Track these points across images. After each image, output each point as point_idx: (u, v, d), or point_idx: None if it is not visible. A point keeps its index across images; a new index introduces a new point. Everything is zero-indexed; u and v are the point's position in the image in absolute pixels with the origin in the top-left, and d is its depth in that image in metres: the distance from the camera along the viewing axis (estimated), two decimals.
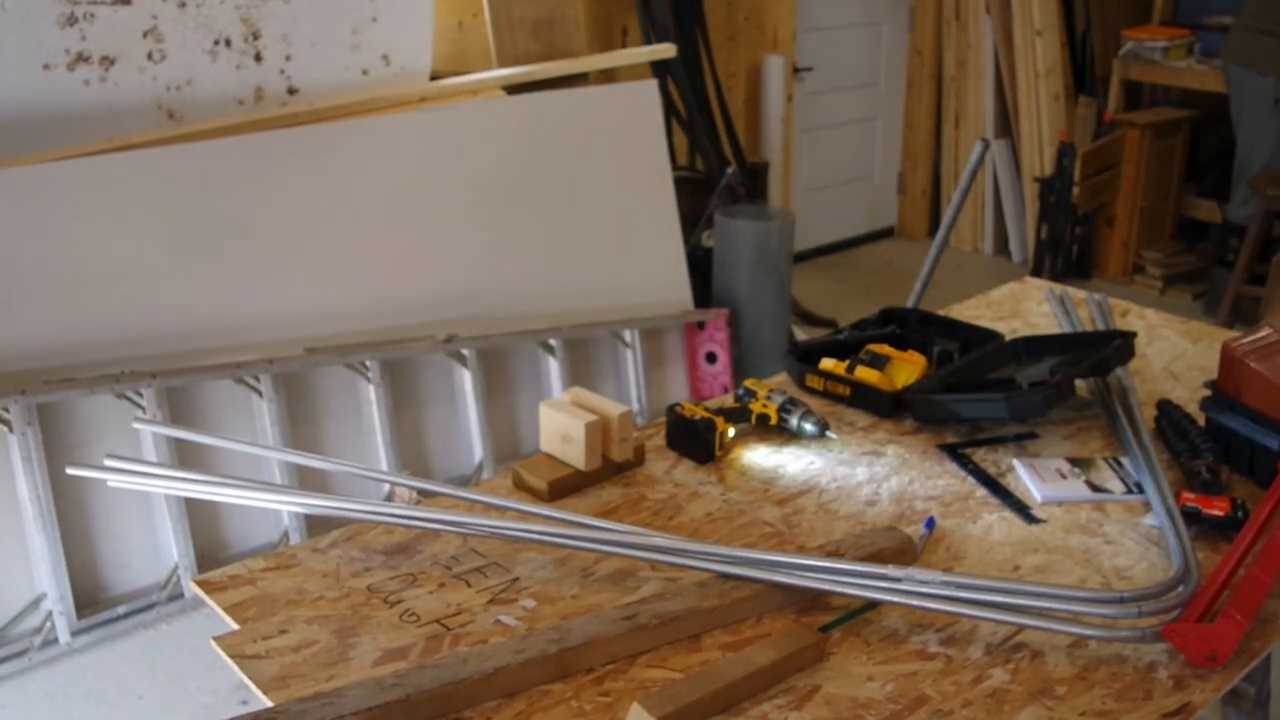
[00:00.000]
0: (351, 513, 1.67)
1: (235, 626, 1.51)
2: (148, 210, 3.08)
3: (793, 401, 2.02)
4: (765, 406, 2.02)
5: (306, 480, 3.23)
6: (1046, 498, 1.81)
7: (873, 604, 1.53)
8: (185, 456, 3.05)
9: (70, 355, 2.97)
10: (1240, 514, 1.67)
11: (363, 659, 1.44)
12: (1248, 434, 1.84)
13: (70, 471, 1.73)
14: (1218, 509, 1.68)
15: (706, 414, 1.96)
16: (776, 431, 2.03)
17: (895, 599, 1.50)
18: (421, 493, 1.78)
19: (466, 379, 3.55)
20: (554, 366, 3.73)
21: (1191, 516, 1.69)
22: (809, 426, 1.99)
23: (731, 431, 1.98)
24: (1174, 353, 2.36)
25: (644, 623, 1.44)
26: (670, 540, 1.64)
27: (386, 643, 1.47)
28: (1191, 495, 1.72)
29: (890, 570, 1.53)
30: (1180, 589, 1.50)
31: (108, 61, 3.12)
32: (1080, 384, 2.17)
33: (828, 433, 2.00)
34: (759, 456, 1.96)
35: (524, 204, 3.68)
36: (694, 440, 1.94)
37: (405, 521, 1.66)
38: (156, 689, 2.84)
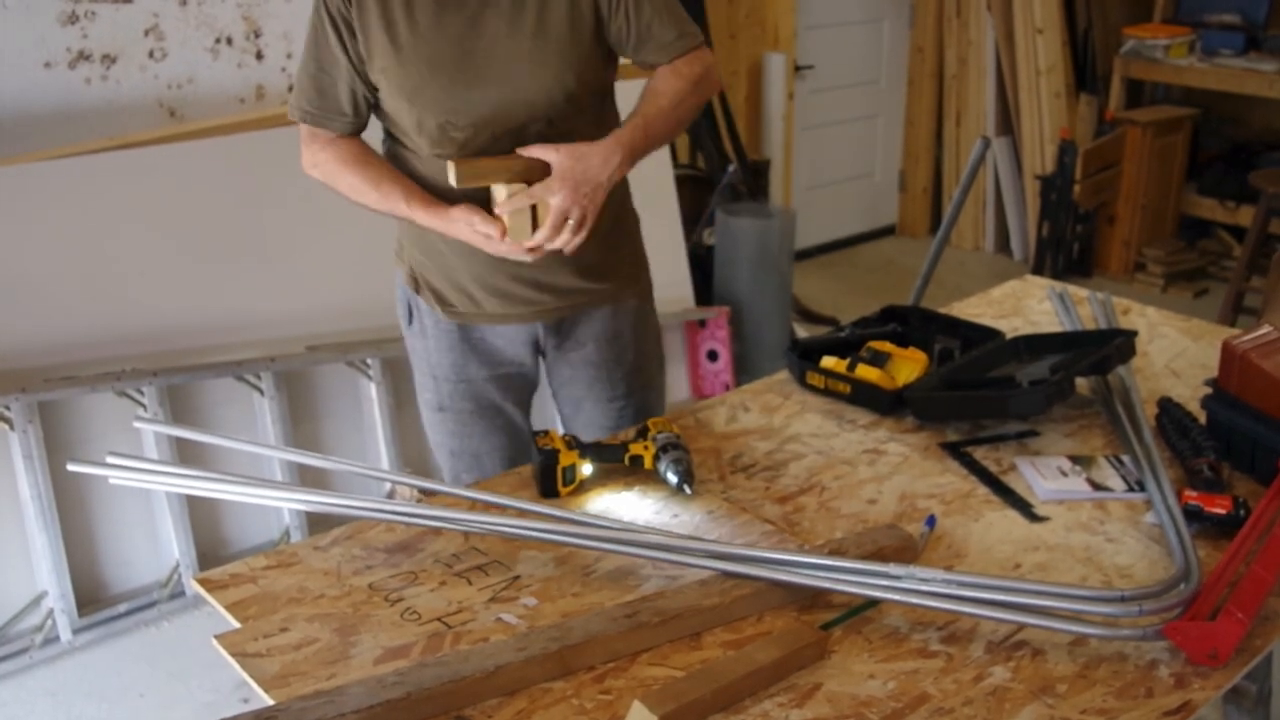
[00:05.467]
0: (352, 510, 1.67)
1: (236, 624, 1.51)
2: (149, 208, 3.08)
3: (675, 446, 1.84)
4: (645, 449, 1.85)
5: (307, 478, 3.23)
6: (1048, 495, 1.81)
7: (874, 602, 1.53)
8: (186, 455, 3.05)
9: (71, 353, 2.97)
10: (1242, 512, 1.67)
11: (364, 657, 1.44)
12: (1249, 431, 1.84)
13: (71, 468, 1.72)
14: (1220, 507, 1.68)
15: (562, 445, 1.83)
16: (653, 475, 1.85)
17: (896, 597, 1.50)
18: (422, 490, 1.78)
19: None
20: None
21: (1193, 514, 1.68)
22: (671, 476, 1.80)
23: (587, 468, 1.84)
24: (1175, 350, 2.36)
25: (645, 620, 1.44)
26: (671, 538, 1.65)
27: (387, 641, 1.47)
28: (1194, 493, 1.72)
29: (891, 568, 1.53)
30: (1181, 587, 1.50)
31: (109, 59, 3.12)
32: (1082, 382, 2.17)
33: (686, 488, 1.80)
34: (603, 502, 1.81)
35: None
36: (539, 471, 1.82)
37: (406, 520, 1.66)
38: (158, 687, 2.84)
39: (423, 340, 2.10)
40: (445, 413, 2.12)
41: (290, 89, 3.45)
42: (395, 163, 1.98)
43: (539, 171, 1.83)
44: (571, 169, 1.80)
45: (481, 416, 2.13)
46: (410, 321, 2.12)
